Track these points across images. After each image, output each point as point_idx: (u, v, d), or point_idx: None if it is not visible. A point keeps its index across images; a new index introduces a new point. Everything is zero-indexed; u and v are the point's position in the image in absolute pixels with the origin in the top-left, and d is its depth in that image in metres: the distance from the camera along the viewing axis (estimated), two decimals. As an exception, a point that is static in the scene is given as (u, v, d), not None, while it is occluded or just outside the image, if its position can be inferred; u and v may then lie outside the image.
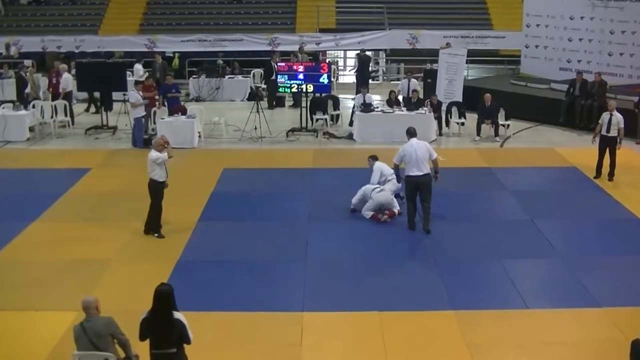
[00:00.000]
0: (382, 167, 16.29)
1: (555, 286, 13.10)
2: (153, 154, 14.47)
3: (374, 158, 16.68)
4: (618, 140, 18.34)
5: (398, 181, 15.73)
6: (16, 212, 16.23)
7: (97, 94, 25.20)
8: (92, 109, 26.26)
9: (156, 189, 14.55)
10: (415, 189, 14.70)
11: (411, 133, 15.02)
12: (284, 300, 12.22)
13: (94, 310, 9.05)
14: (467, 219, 15.87)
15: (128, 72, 25.86)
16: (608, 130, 18.35)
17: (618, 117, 18.32)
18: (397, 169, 15.25)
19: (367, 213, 15.79)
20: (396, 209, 15.84)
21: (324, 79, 22.90)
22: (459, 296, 12.35)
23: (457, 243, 14.51)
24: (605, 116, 18.54)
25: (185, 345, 8.77)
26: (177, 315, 8.68)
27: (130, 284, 12.56)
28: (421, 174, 14.51)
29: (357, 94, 27.53)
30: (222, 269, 13.43)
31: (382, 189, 15.88)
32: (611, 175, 18.49)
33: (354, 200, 16.04)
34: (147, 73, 27.17)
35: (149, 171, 14.48)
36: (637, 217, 15.97)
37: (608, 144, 18.46)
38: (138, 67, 27.95)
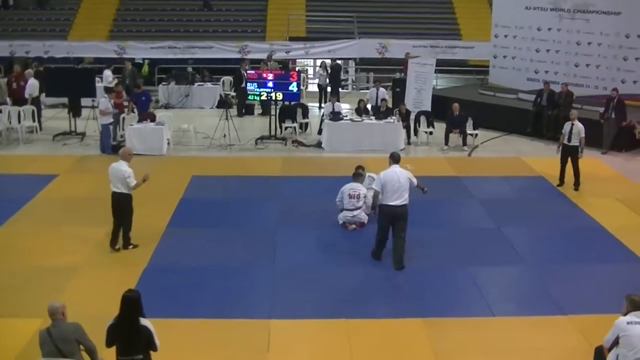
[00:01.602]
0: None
1: (521, 293, 13.19)
2: (124, 167, 14.06)
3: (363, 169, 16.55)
4: (579, 149, 18.49)
5: (372, 209, 14.50)
6: (-19, 219, 16.07)
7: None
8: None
9: (129, 203, 14.25)
10: (391, 220, 13.69)
11: (395, 159, 14.00)
12: (251, 307, 12.18)
13: (60, 316, 8.98)
14: (435, 227, 15.92)
15: (97, 78, 25.70)
16: (569, 140, 18.57)
17: (579, 127, 18.49)
18: (376, 197, 13.83)
19: (340, 218, 15.84)
20: (365, 219, 15.82)
21: (293, 87, 22.93)
22: (426, 303, 12.39)
23: (425, 250, 14.50)
24: (567, 126, 18.77)
25: (152, 353, 8.73)
26: (144, 322, 8.63)
27: (98, 291, 12.45)
28: (400, 203, 13.53)
29: (319, 102, 27.76)
30: (189, 276, 13.36)
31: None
32: (576, 185, 18.67)
33: (337, 199, 15.90)
34: (116, 79, 27.05)
35: (117, 185, 14.07)
36: (602, 226, 16.12)
37: (570, 153, 18.64)
38: (107, 73, 27.82)
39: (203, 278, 13.28)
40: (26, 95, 24.09)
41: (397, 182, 13.52)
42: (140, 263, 13.79)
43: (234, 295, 12.65)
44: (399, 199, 13.52)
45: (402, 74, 28.81)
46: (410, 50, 30.87)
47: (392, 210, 13.56)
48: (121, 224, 14.34)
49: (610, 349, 9.59)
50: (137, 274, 13.20)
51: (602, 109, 22.57)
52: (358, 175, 16.17)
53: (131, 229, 14.40)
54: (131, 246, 14.37)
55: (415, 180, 13.85)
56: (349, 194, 15.74)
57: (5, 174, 19.57)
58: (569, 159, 18.70)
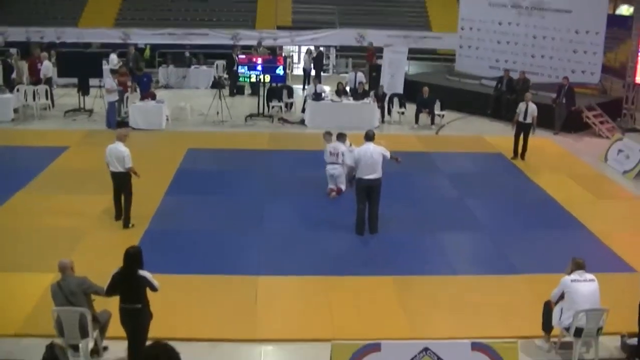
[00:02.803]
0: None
1: (480, 256, 13.32)
2: (121, 148, 13.58)
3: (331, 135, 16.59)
4: (532, 126, 19.34)
5: (350, 183, 15.06)
6: (1, 185, 16.01)
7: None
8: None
9: (129, 181, 13.77)
10: (367, 193, 13.66)
11: (369, 137, 13.82)
12: (241, 265, 12.27)
13: (69, 271, 9.07)
14: (406, 197, 15.95)
15: (104, 61, 25.57)
16: (524, 118, 19.27)
17: (532, 107, 19.25)
18: (352, 171, 14.23)
19: (327, 170, 15.95)
20: (343, 185, 15.89)
21: (279, 71, 22.93)
22: (396, 264, 12.52)
23: (396, 218, 14.55)
24: (522, 105, 19.43)
25: (151, 303, 8.82)
26: (142, 272, 8.73)
27: (103, 250, 12.45)
28: (374, 177, 13.50)
29: (303, 84, 27.76)
30: (186, 237, 13.41)
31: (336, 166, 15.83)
32: (523, 156, 19.40)
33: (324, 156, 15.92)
34: (121, 62, 26.91)
35: (116, 165, 13.61)
36: (552, 198, 16.29)
37: (523, 130, 19.35)
38: (113, 56, 27.60)
39: (198, 239, 13.33)
40: (41, 76, 24.05)
41: (370, 158, 13.48)
42: (142, 225, 13.83)
43: (226, 254, 12.72)
44: (373, 174, 13.51)
45: (366, 61, 29.03)
46: (385, 39, 30.95)
47: (368, 184, 13.56)
48: (123, 200, 13.93)
49: (556, 303, 9.79)
50: (139, 236, 13.24)
51: (554, 95, 22.69)
52: (342, 135, 16.10)
53: (131, 207, 13.91)
54: (131, 225, 13.86)
55: (388, 154, 13.76)
56: (330, 152, 15.83)
57: (21, 146, 19.51)
58: (522, 135, 19.25)
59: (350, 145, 15.87)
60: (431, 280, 11.98)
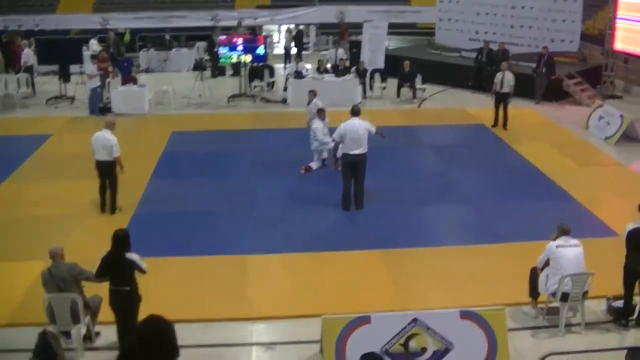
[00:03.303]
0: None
1: (466, 227, 13.45)
2: (109, 136, 13.31)
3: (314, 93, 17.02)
4: (509, 95, 19.33)
5: (335, 156, 15.09)
6: (-14, 175, 15.98)
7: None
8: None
9: (114, 169, 13.51)
10: (353, 168, 13.65)
11: (355, 112, 13.80)
12: (230, 245, 12.29)
13: (59, 258, 9.08)
14: (391, 172, 15.98)
15: (83, 47, 25.38)
16: (501, 87, 19.29)
17: (509, 76, 19.26)
18: (337, 146, 14.12)
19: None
20: (314, 164, 16.13)
21: (260, 50, 22.82)
22: (384, 237, 12.61)
23: (382, 192, 14.59)
24: (499, 75, 19.46)
25: (141, 286, 8.85)
26: (130, 255, 8.77)
27: (91, 235, 12.46)
28: (360, 152, 13.48)
29: (284, 63, 27.72)
30: (173, 220, 13.43)
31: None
32: (505, 125, 19.54)
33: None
34: (100, 47, 26.74)
35: (101, 153, 13.34)
36: (535, 167, 16.38)
37: (502, 99, 19.40)
38: (93, 42, 27.42)
39: (186, 221, 13.35)
40: (21, 64, 23.88)
41: (356, 132, 13.42)
42: (129, 210, 13.82)
43: (215, 235, 12.76)
44: (359, 149, 13.49)
45: (339, 38, 29.03)
46: (365, 15, 30.88)
47: (354, 159, 13.54)
48: (108, 189, 13.73)
49: (542, 269, 9.89)
50: (127, 220, 13.19)
51: (534, 65, 22.75)
52: (322, 111, 16.21)
53: (117, 194, 13.82)
54: (117, 210, 13.70)
55: (373, 129, 13.75)
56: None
57: (4, 135, 19.37)
58: (502, 105, 19.33)
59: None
60: (419, 252, 12.06)
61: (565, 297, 9.57)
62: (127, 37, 32.01)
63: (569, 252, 9.62)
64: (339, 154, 14.15)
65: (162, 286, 10.45)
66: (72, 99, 22.88)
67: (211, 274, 11.29)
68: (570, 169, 16.43)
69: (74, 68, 23.35)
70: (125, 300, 8.73)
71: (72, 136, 18.80)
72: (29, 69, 23.95)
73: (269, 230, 13.01)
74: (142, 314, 8.77)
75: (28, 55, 24.15)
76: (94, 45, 27.07)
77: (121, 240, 8.84)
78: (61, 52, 22.92)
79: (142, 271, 8.84)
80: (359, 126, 13.55)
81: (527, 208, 13.96)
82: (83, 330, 9.29)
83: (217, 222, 13.34)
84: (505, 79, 19.18)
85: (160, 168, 16.43)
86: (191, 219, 13.45)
